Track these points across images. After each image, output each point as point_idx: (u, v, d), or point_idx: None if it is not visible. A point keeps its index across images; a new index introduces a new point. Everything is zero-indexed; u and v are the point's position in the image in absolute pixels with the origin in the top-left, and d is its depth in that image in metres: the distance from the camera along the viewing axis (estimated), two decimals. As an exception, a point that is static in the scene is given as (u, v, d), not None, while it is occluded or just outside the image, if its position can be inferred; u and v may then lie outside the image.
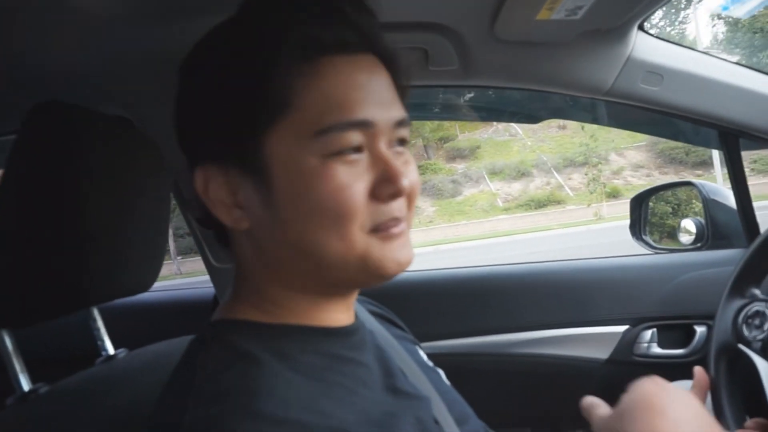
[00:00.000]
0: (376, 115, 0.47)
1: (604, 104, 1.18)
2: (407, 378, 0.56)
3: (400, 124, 0.49)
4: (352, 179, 0.45)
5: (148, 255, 0.73)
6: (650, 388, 0.49)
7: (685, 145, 15.21)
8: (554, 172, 17.42)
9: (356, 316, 0.56)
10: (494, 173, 17.70)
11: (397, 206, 0.48)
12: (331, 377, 0.47)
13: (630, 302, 1.22)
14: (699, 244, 1.30)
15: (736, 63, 1.03)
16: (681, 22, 20.14)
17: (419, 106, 1.41)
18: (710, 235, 1.27)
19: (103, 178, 0.62)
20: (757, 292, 0.82)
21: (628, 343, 1.21)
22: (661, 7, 0.86)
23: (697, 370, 0.67)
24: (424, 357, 0.68)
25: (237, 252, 0.52)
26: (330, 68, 0.46)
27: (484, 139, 19.41)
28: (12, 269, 0.56)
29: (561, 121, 17.61)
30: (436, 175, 17.61)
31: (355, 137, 0.46)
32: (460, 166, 18.44)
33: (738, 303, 0.82)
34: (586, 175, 15.83)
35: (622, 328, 1.22)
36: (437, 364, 0.68)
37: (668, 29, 19.61)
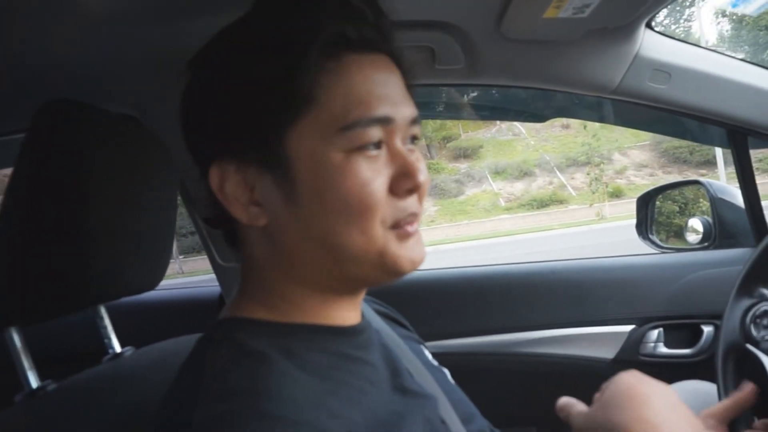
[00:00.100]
0: (394, 112, 0.48)
1: (610, 103, 1.17)
2: (414, 377, 0.56)
3: (414, 122, 0.51)
4: (374, 174, 0.46)
5: (155, 253, 0.73)
6: (631, 379, 0.49)
7: (689, 144, 15.18)
8: (557, 172, 17.39)
9: (363, 316, 0.56)
10: (497, 173, 17.68)
11: (413, 202, 0.49)
12: (338, 376, 0.47)
13: (636, 302, 1.22)
14: (706, 244, 1.30)
15: (745, 60, 1.02)
16: (686, 20, 20.08)
17: (424, 104, 1.41)
18: (717, 234, 1.26)
19: (111, 176, 0.62)
20: (765, 291, 0.82)
21: (634, 342, 1.20)
22: (668, 4, 0.86)
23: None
24: (429, 357, 0.68)
25: (248, 249, 0.52)
26: (354, 65, 0.47)
27: (487, 139, 19.38)
28: (20, 267, 0.56)
29: (564, 121, 17.59)
30: (438, 175, 17.61)
31: (377, 133, 0.47)
32: (462, 166, 18.43)
33: (746, 303, 0.81)
34: (588, 174, 15.79)
35: (628, 328, 1.21)
36: (442, 363, 0.68)
37: (673, 27, 19.54)
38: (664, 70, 0.98)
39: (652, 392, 0.47)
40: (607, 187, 15.30)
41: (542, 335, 1.22)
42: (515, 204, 16.43)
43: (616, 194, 15.35)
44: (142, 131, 0.70)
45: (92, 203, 0.59)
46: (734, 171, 1.16)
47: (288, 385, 0.43)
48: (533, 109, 1.41)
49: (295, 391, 0.42)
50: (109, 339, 0.74)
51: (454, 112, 1.64)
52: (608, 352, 1.21)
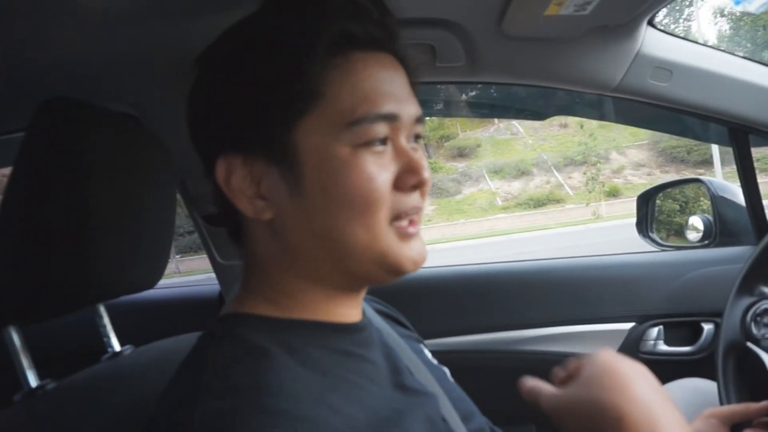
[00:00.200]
0: (399, 109, 0.49)
1: (611, 101, 1.17)
2: (414, 376, 0.56)
3: (418, 120, 0.51)
4: (379, 170, 0.47)
5: (155, 252, 0.73)
6: (612, 358, 0.46)
7: (687, 143, 15.21)
8: (554, 171, 17.42)
9: (364, 314, 0.56)
10: (494, 172, 17.70)
11: (416, 197, 0.50)
12: (339, 372, 0.47)
13: (636, 299, 1.22)
14: (707, 242, 1.30)
15: (747, 58, 1.02)
16: (686, 19, 20.10)
17: (423, 102, 1.40)
18: (718, 232, 1.26)
19: (110, 174, 0.62)
20: (766, 290, 0.82)
21: (634, 340, 1.20)
22: (670, 2, 0.86)
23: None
24: (429, 356, 0.68)
25: (251, 245, 0.52)
26: (360, 63, 0.48)
27: (485, 138, 19.40)
28: (20, 266, 0.56)
29: (563, 120, 17.62)
30: (436, 174, 17.60)
31: (383, 129, 0.48)
32: (460, 165, 18.45)
33: (746, 301, 0.82)
34: (584, 174, 15.82)
35: (628, 326, 1.21)
36: (442, 361, 0.68)
37: (672, 26, 19.56)
38: (665, 68, 0.98)
39: (633, 372, 0.44)
40: (603, 186, 15.34)
41: (542, 333, 1.22)
42: (512, 203, 16.46)
43: (613, 193, 15.39)
44: (142, 130, 0.70)
45: (92, 202, 0.59)
46: (731, 171, 1.16)
47: (289, 380, 0.43)
48: (533, 106, 1.41)
49: (296, 387, 0.42)
50: (109, 338, 0.74)
51: (453, 109, 1.64)
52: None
